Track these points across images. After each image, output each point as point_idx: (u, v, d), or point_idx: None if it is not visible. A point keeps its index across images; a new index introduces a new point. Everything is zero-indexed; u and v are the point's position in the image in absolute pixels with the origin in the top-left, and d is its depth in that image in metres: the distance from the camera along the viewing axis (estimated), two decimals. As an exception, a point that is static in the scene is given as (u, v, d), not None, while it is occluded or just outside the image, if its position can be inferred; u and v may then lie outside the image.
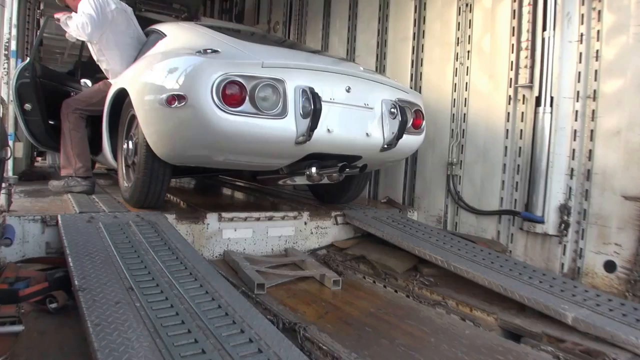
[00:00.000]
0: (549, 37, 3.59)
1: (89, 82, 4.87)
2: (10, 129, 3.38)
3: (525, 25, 3.73)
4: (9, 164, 2.81)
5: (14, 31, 3.53)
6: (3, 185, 2.61)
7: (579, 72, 3.48)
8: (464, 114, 4.33)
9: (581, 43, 3.48)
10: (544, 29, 3.62)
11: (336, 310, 2.73)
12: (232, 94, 2.74)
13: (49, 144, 4.73)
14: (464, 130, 4.34)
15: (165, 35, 3.79)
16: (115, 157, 3.98)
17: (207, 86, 2.70)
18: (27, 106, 4.36)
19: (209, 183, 6.30)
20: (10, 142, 2.65)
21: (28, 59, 4.62)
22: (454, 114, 4.43)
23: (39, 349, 2.05)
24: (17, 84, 4.42)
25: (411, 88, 4.58)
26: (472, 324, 2.63)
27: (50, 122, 4.59)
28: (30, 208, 3.37)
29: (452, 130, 4.43)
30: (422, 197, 4.77)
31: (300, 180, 3.56)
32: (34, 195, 4.01)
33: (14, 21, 3.60)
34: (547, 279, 2.98)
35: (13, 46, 3.48)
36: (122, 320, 1.85)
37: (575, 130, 3.50)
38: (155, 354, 1.66)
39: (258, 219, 3.66)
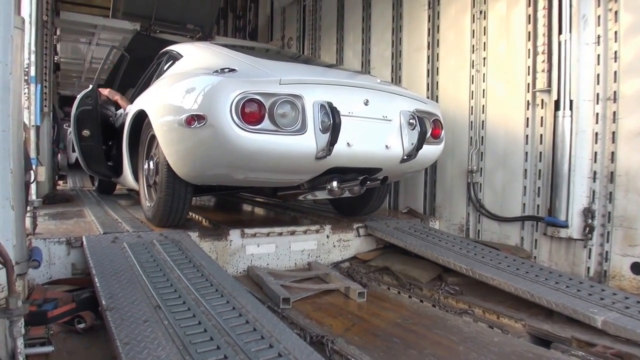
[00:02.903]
0: (565, 40, 3.58)
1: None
2: (32, 153, 3.47)
3: (541, 30, 3.73)
4: (33, 187, 2.87)
5: (32, 57, 3.63)
6: (28, 208, 2.67)
7: (598, 74, 3.46)
8: (483, 121, 4.32)
9: (598, 45, 3.46)
10: (560, 32, 3.61)
11: (363, 322, 2.72)
12: (251, 112, 2.76)
13: (102, 170, 4.82)
14: (482, 137, 4.32)
15: (182, 56, 3.85)
16: (136, 177, 4.04)
17: (226, 105, 2.72)
18: (86, 132, 4.44)
19: (229, 200, 6.35)
20: (34, 166, 2.72)
21: (91, 86, 4.68)
22: (472, 122, 4.42)
23: (69, 369, 2.07)
24: (78, 111, 4.54)
25: (428, 97, 4.59)
26: (500, 332, 2.61)
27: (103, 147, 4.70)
28: (55, 230, 3.42)
29: (471, 137, 4.42)
30: (443, 206, 4.75)
31: (321, 195, 3.58)
32: (58, 217, 4.08)
33: (32, 47, 3.71)
34: (574, 283, 2.94)
35: (32, 72, 3.58)
36: (151, 338, 1.86)
37: (596, 133, 3.47)
38: None
39: (280, 234, 3.67)
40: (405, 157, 3.40)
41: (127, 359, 1.69)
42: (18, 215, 1.72)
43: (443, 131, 3.74)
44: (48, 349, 2.03)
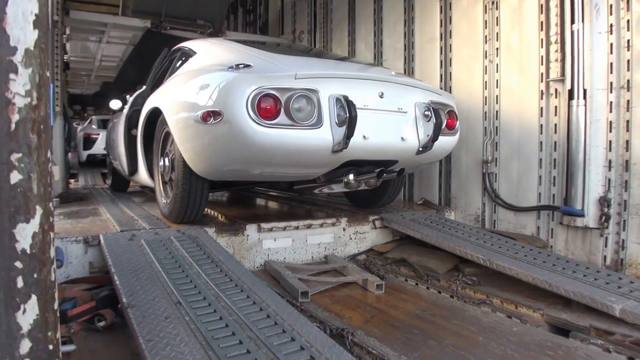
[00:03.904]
0: (578, 30, 3.56)
1: (119, 102, 5.00)
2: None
3: (554, 19, 3.71)
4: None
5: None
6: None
7: (611, 63, 3.44)
8: (496, 111, 4.32)
9: (611, 34, 3.44)
10: (573, 21, 3.60)
11: (381, 314, 2.74)
12: (267, 107, 2.78)
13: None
14: (497, 127, 4.32)
15: (195, 53, 3.86)
16: (151, 174, 4.06)
17: (242, 101, 2.73)
18: (134, 132, 4.45)
19: (243, 194, 6.37)
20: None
21: (144, 87, 4.71)
22: (486, 112, 4.41)
23: (91, 367, 2.10)
24: (130, 110, 4.58)
25: (441, 88, 4.58)
26: (519, 321, 2.62)
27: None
28: (72, 229, 3.43)
29: (485, 128, 4.41)
30: (458, 196, 4.75)
31: (337, 188, 3.59)
32: (74, 216, 4.10)
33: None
34: (591, 272, 2.94)
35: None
36: (173, 334, 1.87)
37: (610, 122, 3.46)
38: None
39: (297, 228, 3.70)
40: (421, 149, 3.40)
41: (151, 355, 1.69)
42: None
43: (458, 122, 3.74)
44: (70, 347, 2.03)
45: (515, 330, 2.50)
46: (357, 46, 6.39)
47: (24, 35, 0.76)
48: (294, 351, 1.80)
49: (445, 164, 4.87)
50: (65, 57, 8.49)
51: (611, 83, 3.45)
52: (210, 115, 2.86)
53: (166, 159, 3.65)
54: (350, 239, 3.93)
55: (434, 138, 3.40)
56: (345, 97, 2.95)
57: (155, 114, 3.69)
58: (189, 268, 2.63)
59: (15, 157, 0.76)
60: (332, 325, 2.45)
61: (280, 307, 2.22)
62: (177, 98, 3.41)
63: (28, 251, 0.77)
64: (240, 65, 3.00)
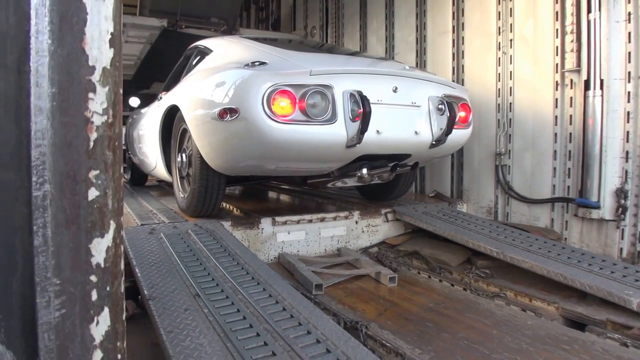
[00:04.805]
0: (594, 19, 3.52)
1: (137, 100, 5.05)
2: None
3: (570, 9, 3.67)
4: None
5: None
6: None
7: (629, 53, 3.40)
8: (510, 103, 4.29)
9: (629, 22, 3.39)
10: (589, 11, 3.55)
11: (395, 307, 2.77)
12: (283, 104, 2.80)
13: None
14: (510, 119, 4.29)
15: (212, 51, 3.89)
16: (168, 169, 4.14)
17: (258, 98, 2.76)
18: None
19: (257, 188, 6.42)
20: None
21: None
22: (499, 104, 4.39)
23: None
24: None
25: (453, 81, 4.56)
26: (533, 315, 2.62)
27: None
28: (93, 223, 3.52)
29: (499, 120, 4.39)
30: (471, 189, 4.74)
31: (351, 182, 3.61)
32: (97, 210, 4.18)
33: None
34: (607, 264, 2.92)
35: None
36: (192, 326, 1.91)
37: (628, 112, 3.42)
38: (228, 358, 1.70)
39: (310, 221, 3.73)
40: (434, 143, 3.40)
41: (172, 346, 1.74)
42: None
43: (471, 115, 3.73)
44: None
45: (530, 323, 2.50)
46: (368, 40, 6.39)
47: (101, 54, 0.78)
48: (310, 344, 1.83)
49: (457, 156, 4.86)
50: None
51: (629, 73, 3.41)
52: (227, 113, 2.90)
53: (183, 155, 3.71)
54: (363, 231, 3.95)
55: (448, 131, 3.40)
56: (359, 93, 2.96)
57: (173, 111, 3.74)
58: (207, 261, 2.68)
59: (93, 174, 0.79)
60: (346, 318, 2.48)
61: (295, 300, 2.25)
62: (194, 96, 3.46)
63: (102, 265, 0.80)
64: (255, 63, 3.03)
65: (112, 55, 0.80)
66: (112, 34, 0.79)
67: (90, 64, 0.78)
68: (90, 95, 0.78)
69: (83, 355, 0.79)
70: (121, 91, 0.82)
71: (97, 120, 0.78)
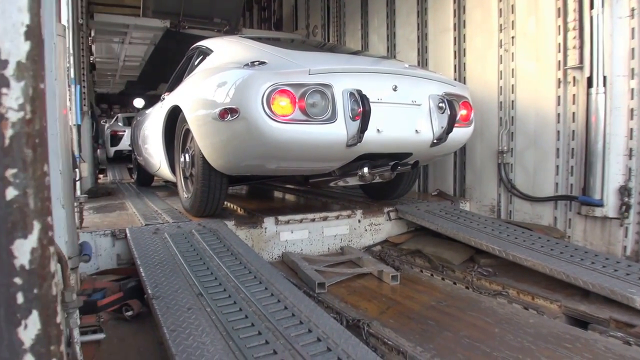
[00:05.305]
0: (597, 15, 3.49)
1: (142, 101, 5.08)
2: (75, 151, 3.60)
3: (572, 5, 3.64)
4: (78, 184, 2.98)
5: (71, 59, 3.77)
6: (75, 204, 2.79)
7: (633, 49, 3.37)
8: (512, 101, 4.27)
9: (632, 18, 3.36)
10: (592, 7, 3.52)
11: (397, 305, 2.77)
12: (282, 103, 2.81)
13: None
14: (512, 117, 4.28)
15: (212, 51, 3.91)
16: (172, 170, 4.17)
17: (258, 98, 2.77)
18: None
19: (260, 188, 6.45)
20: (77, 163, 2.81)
21: None
22: (501, 102, 4.37)
23: (120, 355, 2.19)
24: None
25: (455, 79, 4.56)
26: (535, 313, 2.61)
27: None
28: (100, 223, 3.56)
29: (501, 118, 4.38)
30: (473, 187, 4.73)
31: (352, 181, 3.62)
32: (102, 211, 4.24)
33: (70, 50, 3.84)
34: (611, 263, 2.91)
35: (71, 73, 3.70)
36: (195, 325, 1.93)
37: (632, 109, 3.39)
38: (230, 356, 1.72)
39: (313, 220, 3.74)
40: (435, 141, 3.40)
41: (175, 345, 1.76)
42: (68, 213, 1.81)
43: (472, 113, 3.72)
44: (100, 336, 2.10)
45: (532, 322, 2.50)
46: (370, 39, 6.39)
47: (15, 47, 0.76)
48: (311, 342, 1.84)
49: (460, 154, 4.85)
50: (91, 59, 8.67)
51: (632, 69, 3.38)
52: (228, 113, 2.92)
53: (186, 155, 3.74)
54: (366, 230, 3.96)
55: (449, 130, 3.39)
56: (359, 91, 2.96)
57: (176, 112, 3.76)
58: (210, 260, 2.71)
59: (10, 172, 0.75)
60: (348, 316, 2.49)
61: (297, 299, 2.27)
62: (195, 96, 3.48)
63: (27, 267, 0.77)
64: (255, 63, 3.04)
65: (29, 49, 0.78)
66: (28, 26, 0.77)
67: (3, 57, 0.76)
68: (4, 90, 0.76)
69: (12, 359, 0.78)
70: (42, 86, 0.80)
71: (13, 116, 0.76)
